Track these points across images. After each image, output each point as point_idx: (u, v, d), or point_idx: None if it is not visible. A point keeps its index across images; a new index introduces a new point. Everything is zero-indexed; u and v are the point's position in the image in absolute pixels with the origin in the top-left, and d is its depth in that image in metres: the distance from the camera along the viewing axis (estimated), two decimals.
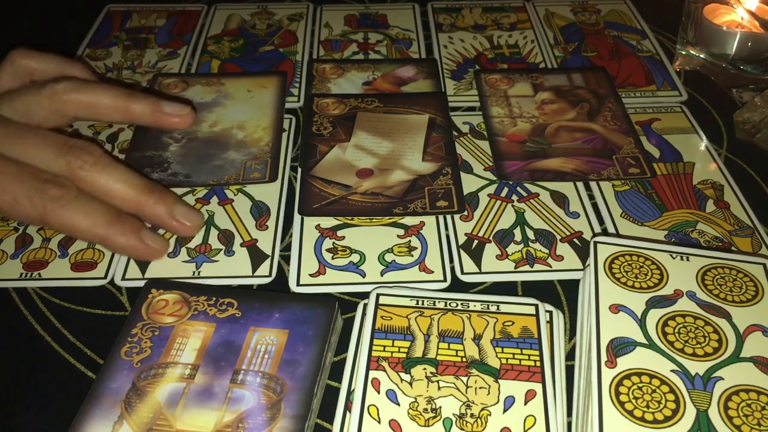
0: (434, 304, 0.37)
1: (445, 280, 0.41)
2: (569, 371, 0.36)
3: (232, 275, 0.41)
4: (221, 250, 0.42)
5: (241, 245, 0.43)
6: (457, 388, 0.33)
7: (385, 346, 0.35)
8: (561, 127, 0.50)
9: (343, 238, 0.43)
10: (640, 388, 0.31)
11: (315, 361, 0.34)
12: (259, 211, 0.45)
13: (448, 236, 0.43)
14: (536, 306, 0.37)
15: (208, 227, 0.44)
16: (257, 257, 0.42)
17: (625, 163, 0.47)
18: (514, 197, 0.46)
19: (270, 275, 0.41)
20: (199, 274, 0.41)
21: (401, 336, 0.35)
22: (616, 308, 0.35)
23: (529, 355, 0.34)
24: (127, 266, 0.41)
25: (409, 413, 0.32)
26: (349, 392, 0.34)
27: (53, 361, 0.37)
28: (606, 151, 0.48)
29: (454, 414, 0.32)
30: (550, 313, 0.37)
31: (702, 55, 0.56)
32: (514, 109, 0.52)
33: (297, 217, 0.44)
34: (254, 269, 0.41)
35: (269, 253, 0.42)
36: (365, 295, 0.38)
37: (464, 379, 0.33)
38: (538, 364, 0.34)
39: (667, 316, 0.35)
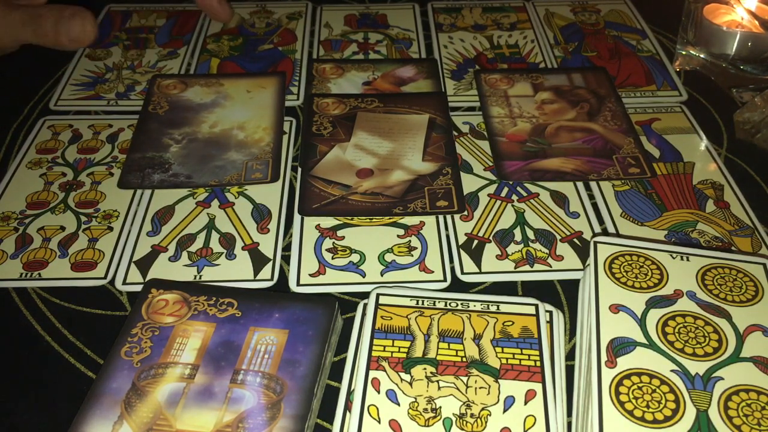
0: (434, 304, 0.37)
1: (445, 280, 0.41)
2: (569, 371, 0.36)
3: (234, 279, 0.41)
4: (223, 253, 0.42)
5: (243, 249, 0.43)
6: (457, 388, 0.33)
7: (385, 346, 0.35)
8: (561, 127, 0.50)
9: (343, 238, 0.43)
10: (640, 388, 0.31)
11: (315, 361, 0.34)
12: (261, 215, 0.45)
13: (448, 236, 0.43)
14: (536, 306, 0.37)
15: (210, 231, 0.44)
16: (259, 261, 0.42)
17: (625, 163, 0.47)
18: (514, 197, 0.46)
19: (272, 279, 0.41)
20: (200, 278, 0.41)
21: (401, 336, 0.35)
22: (616, 308, 0.35)
23: (529, 355, 0.34)
24: (128, 270, 0.41)
25: (409, 413, 0.32)
26: (349, 392, 0.34)
27: (53, 361, 0.37)
28: (606, 151, 0.48)
29: (454, 414, 0.32)
30: (550, 313, 0.37)
31: (702, 55, 0.56)
32: (514, 109, 0.52)
33: (297, 217, 0.44)
34: (256, 273, 0.41)
35: (271, 257, 0.42)
36: (365, 295, 0.38)
37: (464, 379, 0.33)
38: (538, 364, 0.34)
39: (667, 316, 0.35)
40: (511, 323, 0.36)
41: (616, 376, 0.32)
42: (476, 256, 0.42)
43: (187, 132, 0.50)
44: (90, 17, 0.54)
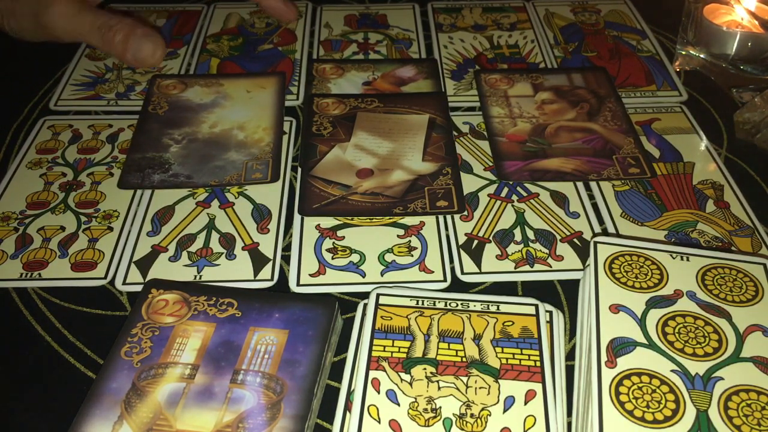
0: (434, 304, 0.37)
1: (445, 280, 0.41)
2: (569, 371, 0.36)
3: (234, 279, 0.41)
4: (222, 253, 0.42)
5: (243, 249, 0.43)
6: (457, 388, 0.33)
7: (385, 346, 0.35)
8: (561, 127, 0.50)
9: (343, 238, 0.43)
10: (640, 388, 0.31)
11: (315, 361, 0.34)
12: (261, 215, 0.45)
13: (448, 236, 0.43)
14: (536, 306, 0.37)
15: (210, 231, 0.44)
16: (259, 261, 0.42)
17: (625, 163, 0.47)
18: (514, 197, 0.46)
19: (272, 279, 0.41)
20: (200, 278, 0.41)
21: (401, 336, 0.35)
22: (616, 308, 0.35)
23: (529, 355, 0.34)
24: (128, 270, 0.41)
25: (409, 413, 0.32)
26: (349, 392, 0.34)
27: (53, 361, 0.37)
28: (606, 151, 0.48)
29: (454, 414, 0.32)
30: (550, 313, 0.37)
31: (702, 55, 0.56)
32: (514, 109, 0.52)
33: (297, 217, 0.44)
34: (256, 273, 0.41)
35: (271, 257, 0.42)
36: (365, 295, 0.38)
37: (464, 379, 0.33)
38: (538, 364, 0.34)
39: (667, 316, 0.35)
40: (511, 323, 0.36)
41: (616, 376, 0.32)
42: (476, 256, 0.42)
43: (187, 132, 0.50)
44: (161, 42, 0.54)
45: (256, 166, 0.47)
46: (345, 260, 0.42)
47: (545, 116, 0.51)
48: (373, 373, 0.33)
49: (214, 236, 0.43)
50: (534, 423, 0.32)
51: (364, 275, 0.41)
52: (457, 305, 0.37)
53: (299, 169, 0.47)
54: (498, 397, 0.32)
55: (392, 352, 0.34)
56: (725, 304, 0.35)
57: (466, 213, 0.44)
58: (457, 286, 0.41)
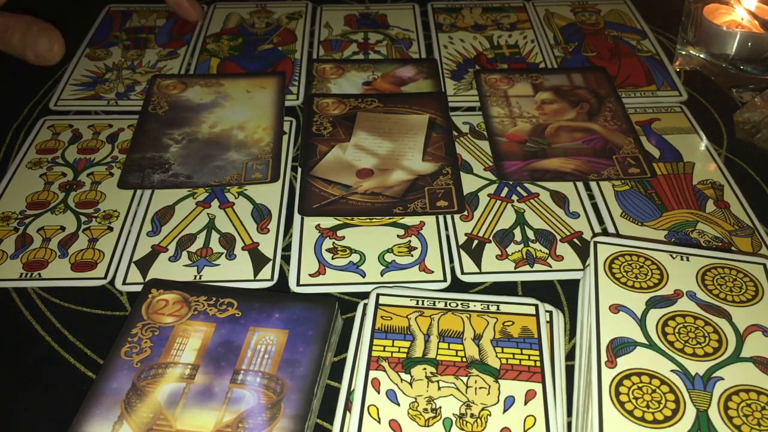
0: (434, 304, 0.37)
1: (445, 280, 0.41)
2: (569, 371, 0.36)
3: (234, 279, 0.41)
4: (222, 253, 0.42)
5: (243, 249, 0.43)
6: (457, 388, 0.33)
7: (385, 346, 0.35)
8: (561, 127, 0.50)
9: (343, 238, 0.43)
10: (640, 388, 0.31)
11: (315, 361, 0.34)
12: (261, 215, 0.45)
13: (448, 236, 0.43)
14: (536, 306, 0.37)
15: (210, 231, 0.44)
16: (259, 261, 0.42)
17: (625, 163, 0.47)
18: (514, 197, 0.46)
19: (272, 279, 0.41)
20: (200, 278, 0.41)
21: (401, 336, 0.35)
22: (616, 308, 0.35)
23: (529, 355, 0.34)
24: (128, 270, 0.41)
25: (409, 413, 0.32)
26: (349, 392, 0.34)
27: (53, 361, 0.37)
28: (606, 151, 0.48)
29: (454, 414, 0.32)
30: (550, 313, 0.37)
31: (702, 55, 0.56)
32: (514, 109, 0.52)
33: (297, 217, 0.44)
34: (256, 273, 0.41)
35: (271, 257, 0.42)
36: (365, 295, 0.38)
37: (464, 379, 0.33)
38: (538, 364, 0.34)
39: (667, 316, 0.35)
40: (511, 323, 0.36)
41: (616, 376, 0.32)
42: (476, 256, 0.42)
43: (187, 132, 0.50)
44: (57, 36, 0.53)
45: (256, 166, 0.47)
46: (345, 260, 0.42)
47: (545, 116, 0.51)
48: (373, 373, 0.33)
49: (214, 236, 0.43)
50: (534, 423, 0.32)
51: (364, 275, 0.41)
52: (457, 305, 0.37)
53: (299, 169, 0.47)
54: (498, 397, 0.32)
55: (392, 352, 0.34)
56: (725, 304, 0.35)
57: (466, 213, 0.44)
58: (457, 286, 0.41)
